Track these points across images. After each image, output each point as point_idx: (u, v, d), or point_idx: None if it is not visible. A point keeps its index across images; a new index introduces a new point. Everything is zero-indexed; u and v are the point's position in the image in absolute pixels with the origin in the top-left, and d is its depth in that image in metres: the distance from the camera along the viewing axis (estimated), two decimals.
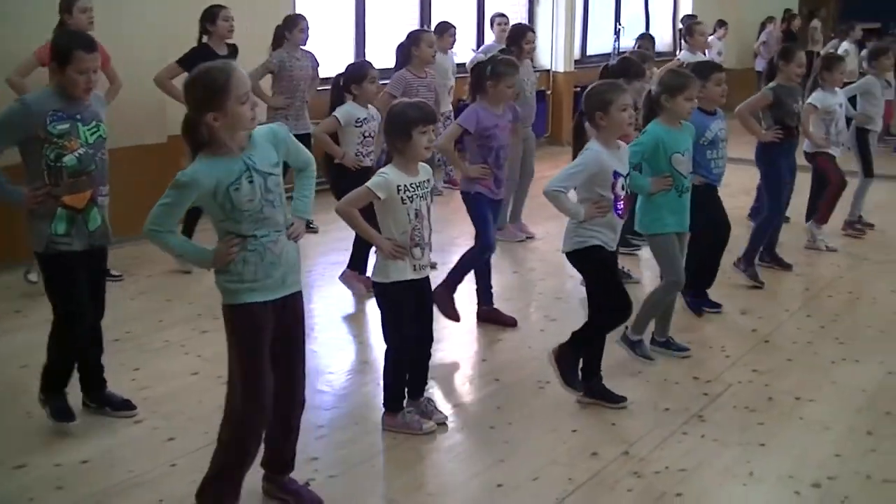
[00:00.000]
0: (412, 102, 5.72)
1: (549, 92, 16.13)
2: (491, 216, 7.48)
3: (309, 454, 5.41)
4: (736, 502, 5.17)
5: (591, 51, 18.07)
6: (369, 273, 7.56)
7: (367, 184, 5.45)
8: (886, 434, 5.92)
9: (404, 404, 5.81)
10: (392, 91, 8.86)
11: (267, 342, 4.60)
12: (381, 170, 5.54)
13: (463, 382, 6.75)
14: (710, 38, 18.69)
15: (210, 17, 9.23)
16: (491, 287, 7.76)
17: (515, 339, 7.48)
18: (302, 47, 10.30)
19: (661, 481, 5.29)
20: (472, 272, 7.67)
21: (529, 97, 10.13)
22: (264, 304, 4.56)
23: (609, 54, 16.79)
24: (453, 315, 7.47)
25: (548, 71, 16.48)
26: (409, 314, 5.65)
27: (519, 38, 10.11)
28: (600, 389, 6.18)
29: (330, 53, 11.83)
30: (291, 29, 10.18)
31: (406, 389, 5.87)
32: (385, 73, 12.71)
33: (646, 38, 12.51)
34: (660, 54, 16.32)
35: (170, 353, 6.95)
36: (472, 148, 7.47)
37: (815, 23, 22.82)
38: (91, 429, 5.78)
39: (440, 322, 7.38)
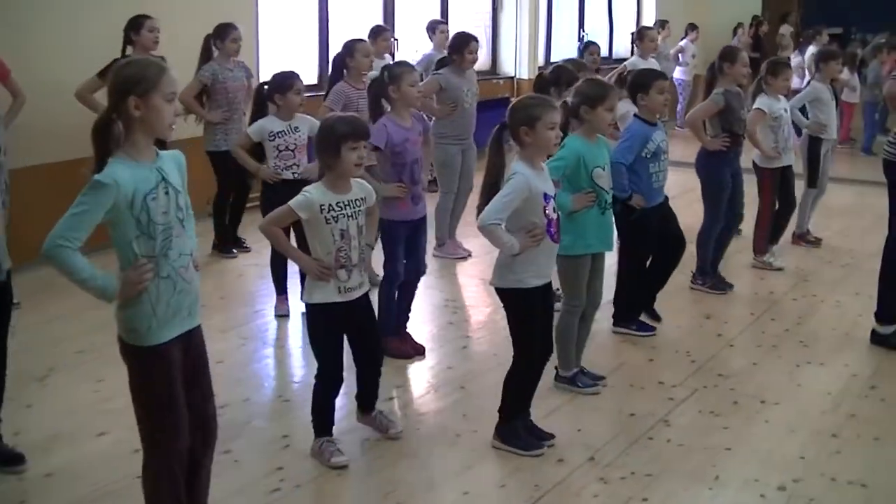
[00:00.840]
0: (343, 117, 5.48)
1: (513, 99, 16.12)
2: (402, 246, 7.04)
3: (274, 464, 5.40)
4: None
5: (555, 57, 18.03)
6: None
7: (290, 202, 5.20)
8: (851, 436, 5.96)
9: (332, 431, 5.58)
10: (331, 105, 8.43)
11: (179, 378, 4.25)
12: (305, 188, 5.27)
13: (429, 390, 6.72)
14: (683, 42, 18.86)
15: (134, 26, 8.88)
16: (408, 312, 7.35)
17: (482, 346, 7.47)
18: (235, 58, 9.66)
19: (626, 487, 5.30)
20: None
21: (469, 108, 9.72)
22: (175, 341, 4.22)
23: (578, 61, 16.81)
24: (412, 353, 7.16)
25: (512, 78, 16.51)
26: (337, 338, 5.43)
27: (462, 46, 9.66)
28: (515, 433, 5.74)
29: (293, 65, 11.79)
30: (224, 39, 9.48)
31: (357, 404, 5.80)
32: None
33: (590, 46, 12.37)
34: (620, 60, 16.35)
35: None
36: (384, 166, 6.95)
37: (785, 28, 22.99)
38: (55, 442, 5.74)
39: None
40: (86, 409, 5.98)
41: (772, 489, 5.29)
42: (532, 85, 8.12)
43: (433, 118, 9.57)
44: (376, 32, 10.97)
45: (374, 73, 8.14)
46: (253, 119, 7.79)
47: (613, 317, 7.66)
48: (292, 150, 7.66)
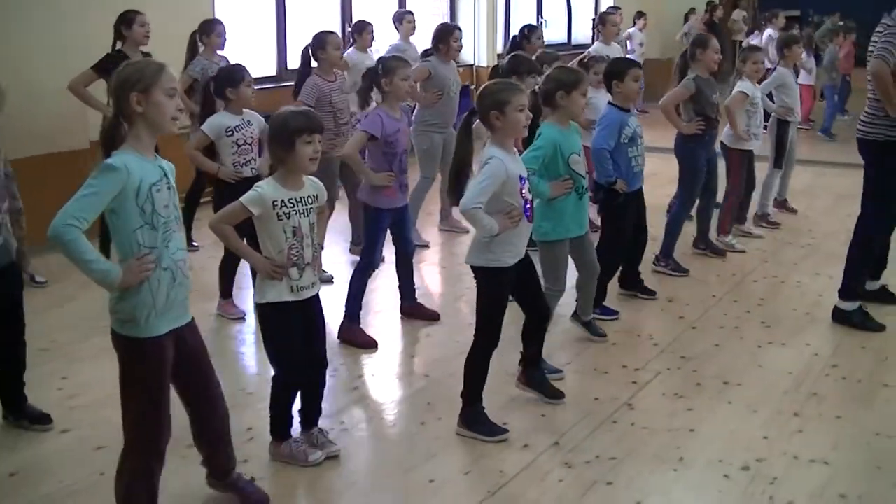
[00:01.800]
0: (297, 110, 5.29)
1: (472, 87, 16.16)
2: (383, 236, 7.27)
3: (239, 456, 5.36)
4: (666, 488, 5.20)
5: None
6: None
7: (241, 198, 5.08)
8: (812, 415, 6.01)
9: (292, 432, 5.53)
10: (305, 100, 8.37)
11: (169, 371, 4.40)
12: (257, 184, 5.15)
13: (392, 379, 6.73)
14: (631, 29, 18.90)
15: (126, 21, 8.92)
16: (413, 285, 7.76)
17: (443, 334, 7.48)
18: (219, 52, 9.82)
19: (591, 470, 5.33)
20: (396, 275, 7.68)
21: (454, 97, 9.92)
22: (170, 334, 4.35)
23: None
24: (368, 343, 7.19)
25: (471, 66, 16.53)
26: (293, 337, 5.26)
27: (446, 36, 9.81)
28: (479, 419, 5.80)
29: (251, 57, 11.76)
30: (209, 34, 9.72)
31: (300, 419, 5.61)
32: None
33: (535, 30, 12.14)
34: (579, 46, 16.39)
35: (98, 361, 6.79)
36: (376, 155, 7.11)
37: (738, 13, 23.11)
38: (19, 440, 5.71)
39: (366, 320, 7.41)
40: (50, 407, 5.93)
41: (735, 469, 5.33)
42: (489, 76, 8.13)
43: (416, 105, 9.71)
44: (360, 28, 11.20)
45: (370, 62, 8.52)
46: (203, 117, 7.63)
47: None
48: (249, 145, 7.55)
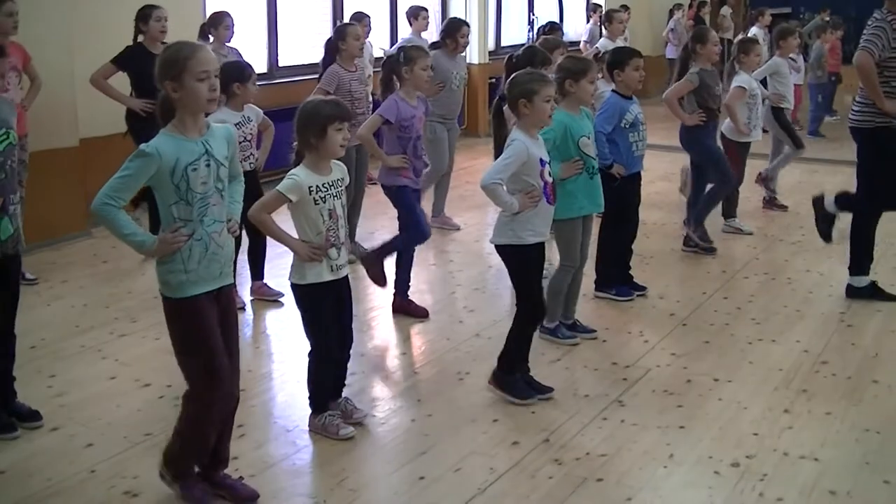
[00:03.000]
0: (327, 99, 5.58)
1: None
2: (418, 207, 7.60)
3: (230, 453, 5.37)
4: (657, 485, 5.19)
5: (505, 42, 18.12)
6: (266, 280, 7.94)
7: (279, 187, 5.30)
8: (802, 411, 6.01)
9: (329, 406, 5.75)
10: (325, 87, 8.68)
11: (215, 327, 4.68)
12: (292, 171, 5.37)
13: (383, 376, 6.73)
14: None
15: (143, 17, 9.13)
16: (409, 279, 7.78)
17: (434, 331, 7.48)
18: (227, 44, 10.28)
19: (581, 467, 5.32)
20: (395, 261, 7.73)
21: (456, 91, 10.25)
22: (207, 295, 4.64)
23: (523, 45, 16.82)
24: (381, 279, 7.66)
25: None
26: (329, 315, 5.57)
27: (454, 31, 10.21)
28: (513, 383, 6.15)
29: (242, 49, 11.73)
30: (217, 26, 10.18)
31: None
32: (300, 69, 12.75)
33: (554, 29, 12.43)
34: (571, 43, 16.38)
35: (86, 359, 6.85)
36: (391, 139, 7.49)
37: (725, 10, 23.09)
38: (7, 438, 5.66)
39: (358, 320, 7.39)
40: (38, 404, 5.90)
41: (725, 466, 5.33)
42: (504, 67, 8.22)
43: None
44: (357, 19, 11.42)
45: (380, 53, 8.97)
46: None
47: (595, 282, 8.03)
48: (249, 141, 7.68)
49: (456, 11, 16.35)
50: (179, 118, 4.53)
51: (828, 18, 19.17)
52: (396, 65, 7.43)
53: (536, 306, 6.19)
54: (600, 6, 19.09)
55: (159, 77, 4.50)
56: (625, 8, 17.35)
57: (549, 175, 6.06)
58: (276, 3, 13.10)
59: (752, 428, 5.79)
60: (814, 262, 9.02)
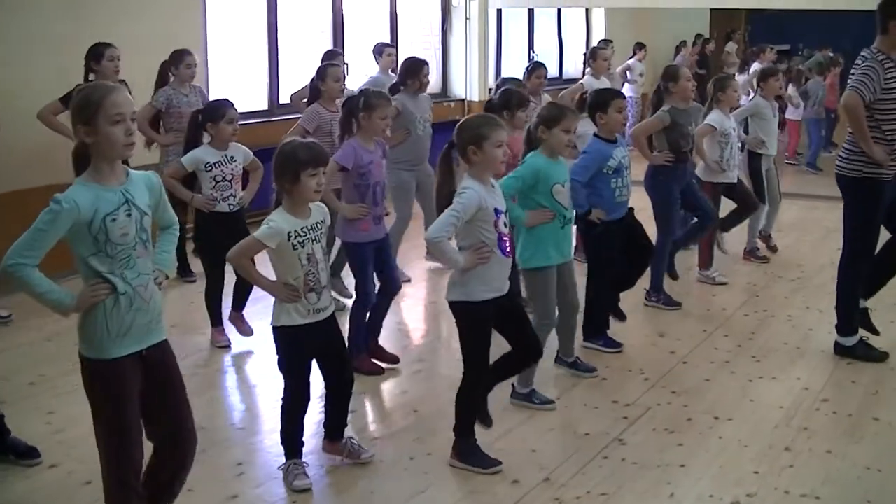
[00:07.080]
0: (303, 143, 5.44)
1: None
2: (371, 266, 7.16)
3: (228, 492, 5.36)
4: None
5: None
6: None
7: (255, 235, 5.22)
8: (803, 449, 5.99)
9: (301, 453, 5.60)
10: (305, 125, 8.57)
11: (134, 398, 4.31)
12: (269, 217, 5.29)
13: (382, 415, 6.72)
14: (630, 60, 18.85)
15: (96, 56, 8.93)
16: (381, 325, 7.47)
17: (431, 369, 7.48)
18: (190, 83, 9.84)
19: None
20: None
21: (422, 135, 9.81)
22: (132, 357, 4.29)
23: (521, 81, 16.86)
24: (376, 370, 7.25)
25: (462, 100, 16.55)
26: (305, 360, 5.49)
27: (417, 71, 9.81)
28: (473, 451, 5.78)
29: (242, 90, 11.79)
30: (178, 65, 9.71)
31: (324, 431, 5.79)
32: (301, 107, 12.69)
33: (537, 69, 11.90)
34: (570, 80, 16.42)
35: (84, 396, 6.80)
36: (347, 187, 7.10)
37: (731, 46, 23.21)
38: (5, 475, 5.66)
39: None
40: (37, 441, 5.89)
41: None
42: (482, 109, 8.13)
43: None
44: (331, 56, 11.02)
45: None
46: (187, 148, 7.62)
47: (583, 332, 7.70)
48: (229, 181, 7.53)
49: (456, 48, 16.43)
50: (95, 166, 4.20)
51: (831, 55, 19.23)
52: (355, 109, 7.04)
53: (480, 375, 5.73)
54: (644, 45, 19.10)
55: (73, 122, 4.21)
56: (607, 43, 17.40)
57: (505, 225, 5.66)
58: (277, 41, 13.12)
59: (753, 466, 5.77)
60: (813, 299, 9.01)
